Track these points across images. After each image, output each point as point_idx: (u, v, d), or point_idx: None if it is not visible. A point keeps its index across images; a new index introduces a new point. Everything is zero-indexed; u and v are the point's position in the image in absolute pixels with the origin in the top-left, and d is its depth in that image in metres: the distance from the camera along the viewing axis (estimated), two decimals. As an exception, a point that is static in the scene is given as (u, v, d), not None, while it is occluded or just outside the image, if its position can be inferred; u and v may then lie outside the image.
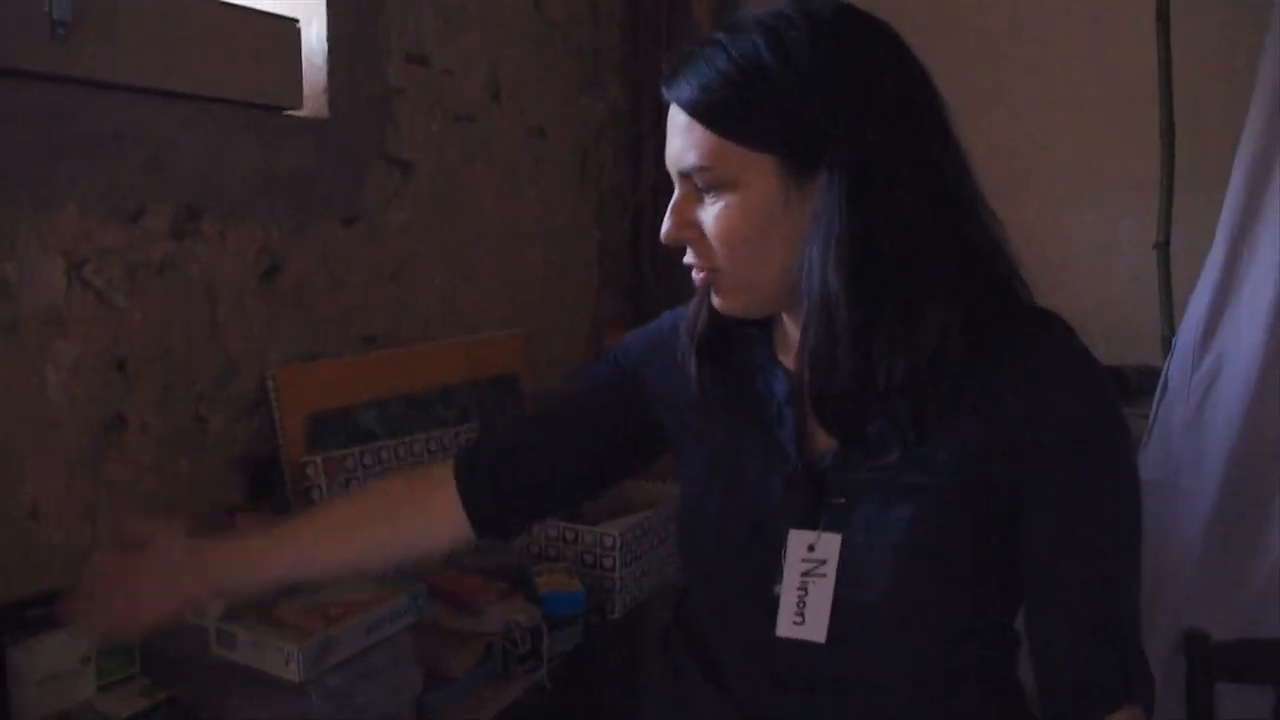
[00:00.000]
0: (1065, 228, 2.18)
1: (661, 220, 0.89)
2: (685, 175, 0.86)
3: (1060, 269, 2.10)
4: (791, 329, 0.90)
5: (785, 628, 0.88)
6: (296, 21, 1.55)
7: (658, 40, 2.38)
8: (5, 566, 1.17)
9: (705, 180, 0.84)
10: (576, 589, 1.54)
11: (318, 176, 1.57)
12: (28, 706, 1.09)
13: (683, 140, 0.85)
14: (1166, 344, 1.88)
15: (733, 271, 0.86)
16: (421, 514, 1.05)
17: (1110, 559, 0.84)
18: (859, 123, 0.80)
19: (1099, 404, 0.84)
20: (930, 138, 0.84)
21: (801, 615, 0.87)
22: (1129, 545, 0.85)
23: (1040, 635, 0.86)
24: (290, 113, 1.55)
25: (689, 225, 0.86)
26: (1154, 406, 1.85)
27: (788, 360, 0.92)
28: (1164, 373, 1.84)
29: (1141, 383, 1.93)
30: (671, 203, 0.87)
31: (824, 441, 0.89)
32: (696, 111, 0.83)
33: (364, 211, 1.67)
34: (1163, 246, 1.92)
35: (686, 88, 0.84)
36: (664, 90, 0.86)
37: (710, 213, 0.85)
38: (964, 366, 0.83)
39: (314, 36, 1.58)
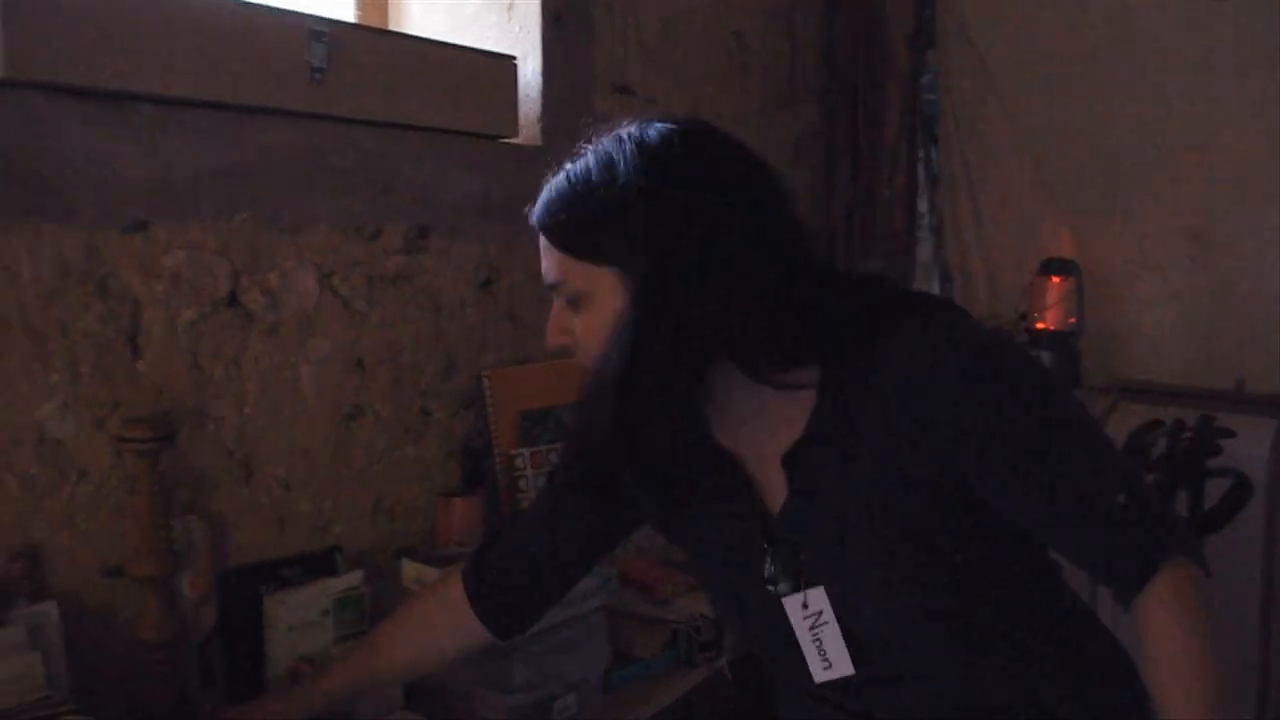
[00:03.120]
0: (1265, 245, 2.10)
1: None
2: (551, 290, 0.96)
3: (1262, 286, 2.04)
4: (724, 405, 0.97)
5: (819, 675, 0.98)
6: (514, 59, 1.71)
7: (855, 65, 2.44)
8: (262, 531, 1.37)
9: (563, 295, 0.94)
10: (758, 585, 1.61)
11: (530, 198, 1.73)
12: (278, 649, 1.27)
13: (545, 260, 0.95)
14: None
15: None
16: (446, 633, 1.17)
17: (1076, 462, 0.88)
18: (656, 230, 0.88)
19: (977, 355, 0.89)
20: (748, 234, 0.90)
21: (827, 660, 0.96)
22: (1084, 442, 0.89)
23: (1068, 553, 0.92)
24: (507, 140, 1.72)
25: (566, 333, 0.96)
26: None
27: (725, 438, 1.00)
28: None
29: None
30: (551, 315, 0.98)
31: (773, 513, 0.98)
32: (545, 231, 0.94)
33: (570, 229, 1.82)
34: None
35: (539, 210, 0.94)
36: (529, 216, 0.96)
37: (577, 324, 0.94)
38: (843, 389, 0.91)
39: (530, 71, 1.75)
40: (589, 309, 0.93)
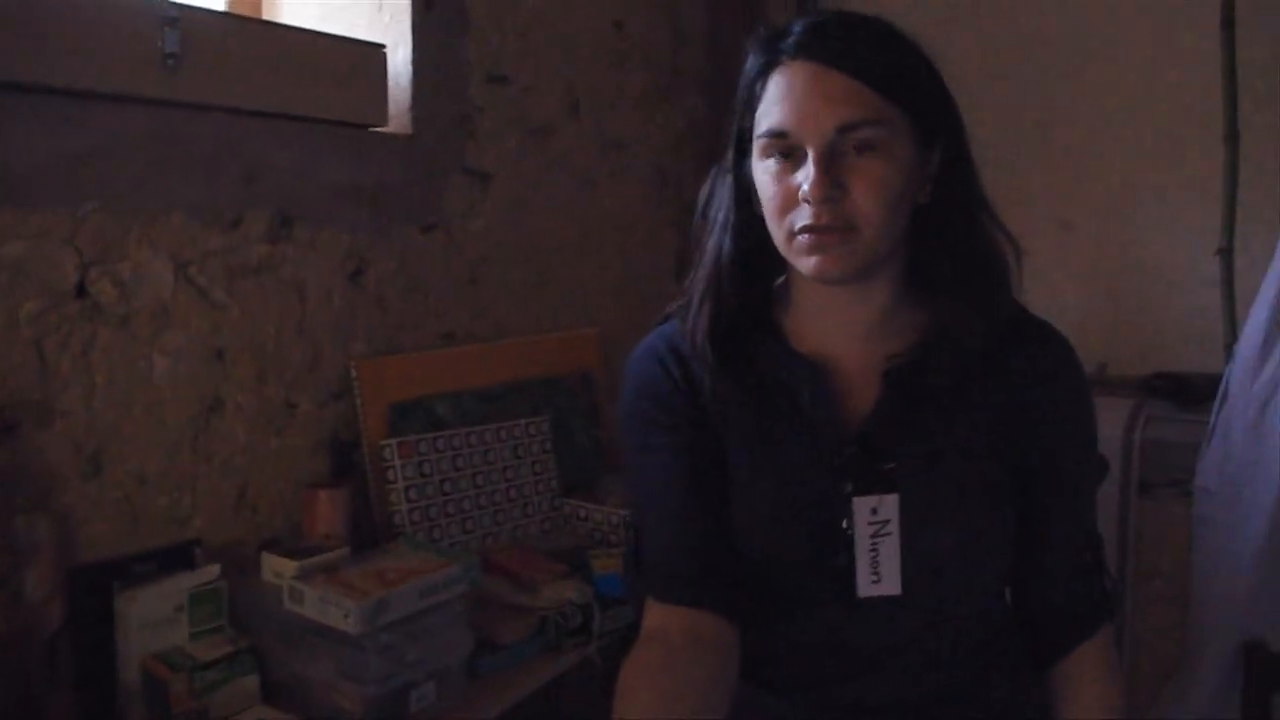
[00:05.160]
0: (1130, 234, 2.17)
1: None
2: (844, 130, 0.90)
3: (1125, 275, 2.11)
4: (803, 309, 1.02)
5: (865, 588, 0.96)
6: (383, 47, 1.70)
7: (738, 56, 2.46)
8: (116, 526, 1.34)
9: (866, 137, 0.90)
10: (628, 571, 1.64)
11: (400, 187, 1.72)
12: (129, 647, 1.25)
13: (845, 102, 0.90)
14: (1230, 351, 1.87)
15: (869, 230, 0.91)
16: (714, 664, 0.94)
17: (1088, 505, 1.06)
18: (953, 111, 0.97)
19: (1086, 389, 1.05)
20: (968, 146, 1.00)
21: (877, 574, 0.96)
22: (1094, 492, 1.09)
23: (1035, 575, 1.03)
24: (376, 129, 1.70)
25: (840, 186, 0.90)
26: (1214, 414, 1.84)
27: (805, 349, 1.02)
28: (1224, 380, 1.83)
29: (1205, 390, 1.92)
30: (817, 165, 0.90)
31: (856, 420, 0.99)
32: (865, 72, 0.90)
33: (443, 219, 1.82)
34: (1225, 253, 1.91)
35: (850, 53, 0.90)
36: (809, 56, 0.91)
37: (865, 170, 0.90)
38: (988, 350, 0.98)
39: (400, 60, 1.74)
40: (884, 157, 0.91)
